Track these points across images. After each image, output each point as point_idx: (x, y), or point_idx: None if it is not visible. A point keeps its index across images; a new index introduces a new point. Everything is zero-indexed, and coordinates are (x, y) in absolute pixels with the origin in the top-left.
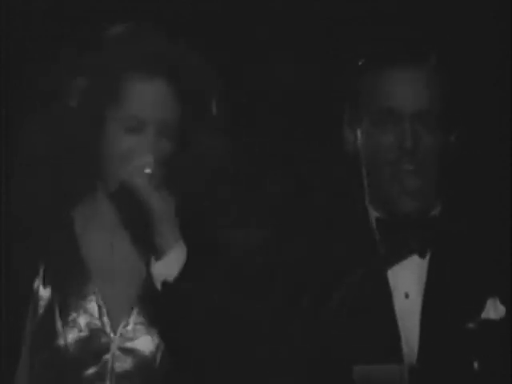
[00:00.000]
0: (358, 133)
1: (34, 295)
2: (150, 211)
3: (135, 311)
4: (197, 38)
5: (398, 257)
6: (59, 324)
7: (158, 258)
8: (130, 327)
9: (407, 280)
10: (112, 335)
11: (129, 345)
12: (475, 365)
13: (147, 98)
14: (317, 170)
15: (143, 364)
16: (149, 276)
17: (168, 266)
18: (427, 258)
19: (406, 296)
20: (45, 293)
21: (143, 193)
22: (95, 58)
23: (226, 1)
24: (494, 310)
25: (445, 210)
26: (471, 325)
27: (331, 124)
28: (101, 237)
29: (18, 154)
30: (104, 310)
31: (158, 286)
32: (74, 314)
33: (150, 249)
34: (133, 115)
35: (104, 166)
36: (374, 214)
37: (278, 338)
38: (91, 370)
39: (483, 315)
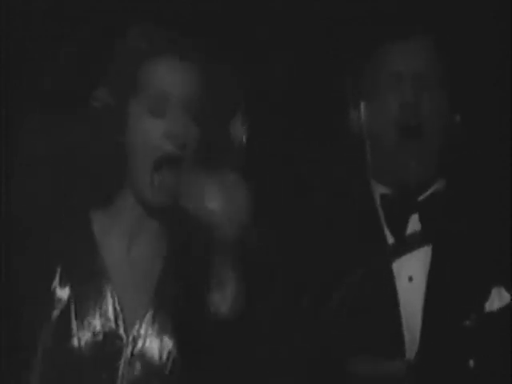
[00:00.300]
0: (362, 106)
1: (51, 296)
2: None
3: (149, 315)
4: (197, 37)
5: (406, 248)
6: (74, 325)
7: (217, 290)
8: (142, 331)
9: (411, 263)
10: (125, 338)
11: (141, 348)
12: (471, 363)
13: (171, 75)
14: (317, 170)
15: (154, 368)
16: (203, 304)
17: (225, 300)
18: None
19: (410, 279)
20: (62, 293)
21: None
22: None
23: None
24: (498, 298)
25: (450, 188)
26: (468, 322)
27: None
28: (119, 242)
29: (26, 154)
30: (119, 313)
31: (213, 315)
32: (89, 316)
33: (208, 277)
34: (156, 92)
35: (131, 172)
36: (378, 190)
37: (279, 337)
38: (103, 373)
39: (488, 304)
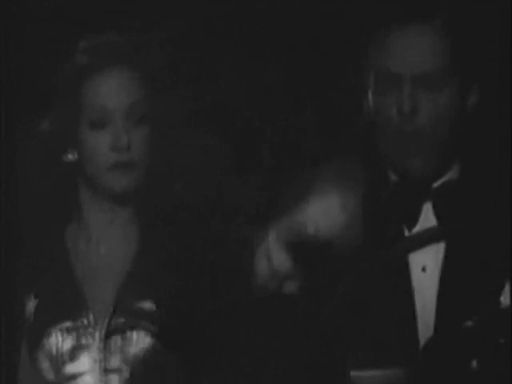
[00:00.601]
0: (370, 94)
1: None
2: None
3: (119, 310)
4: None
5: (422, 242)
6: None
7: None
8: (113, 325)
9: (424, 253)
10: (97, 333)
11: (114, 341)
12: (474, 363)
13: (106, 87)
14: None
15: (132, 360)
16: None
17: None
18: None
19: (423, 269)
20: (34, 301)
21: None
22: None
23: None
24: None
25: (464, 176)
26: (470, 322)
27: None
28: (87, 244)
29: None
30: (89, 310)
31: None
32: (60, 316)
33: None
34: (95, 105)
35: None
36: (392, 177)
37: (281, 337)
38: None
39: (503, 299)
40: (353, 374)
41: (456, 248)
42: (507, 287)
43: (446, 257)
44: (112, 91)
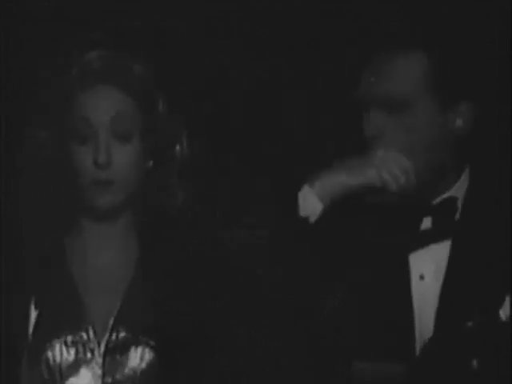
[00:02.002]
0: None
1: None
2: None
3: (119, 324)
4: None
5: (419, 242)
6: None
7: None
8: (113, 340)
9: (422, 261)
10: (97, 348)
11: (114, 356)
12: (474, 363)
13: (92, 102)
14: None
15: (131, 375)
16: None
17: None
18: (448, 241)
19: (421, 277)
20: (34, 312)
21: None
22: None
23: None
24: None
25: (468, 192)
26: (471, 323)
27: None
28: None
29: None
30: (90, 325)
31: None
32: (61, 329)
33: None
34: (80, 118)
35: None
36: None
37: (280, 337)
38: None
39: (502, 311)
40: (355, 365)
41: (458, 257)
42: (507, 300)
43: (448, 266)
44: (97, 106)
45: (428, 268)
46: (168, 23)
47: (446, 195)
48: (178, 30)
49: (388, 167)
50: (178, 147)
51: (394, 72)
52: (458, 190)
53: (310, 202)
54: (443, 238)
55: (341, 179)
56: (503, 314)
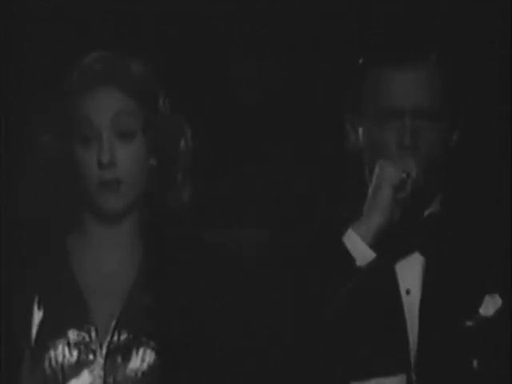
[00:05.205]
0: (360, 131)
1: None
2: None
3: (121, 326)
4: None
5: (398, 254)
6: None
7: None
8: (115, 342)
9: (409, 276)
10: (99, 350)
11: (116, 358)
12: (474, 363)
13: (93, 102)
14: (319, 170)
15: (133, 377)
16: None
17: None
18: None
19: (407, 292)
20: (38, 313)
21: None
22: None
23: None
24: (492, 303)
25: (444, 207)
26: (469, 323)
27: (332, 124)
28: (91, 256)
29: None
30: (92, 326)
31: None
32: (64, 330)
33: None
34: (83, 119)
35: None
36: None
37: (278, 339)
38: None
39: (482, 310)
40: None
41: (436, 270)
42: (486, 301)
43: (426, 278)
44: (98, 106)
45: (414, 282)
46: (168, 23)
47: (428, 211)
48: (178, 29)
49: (398, 166)
50: (182, 145)
51: (420, 85)
52: (437, 205)
53: (362, 251)
54: (413, 251)
55: (380, 220)
56: (484, 311)
